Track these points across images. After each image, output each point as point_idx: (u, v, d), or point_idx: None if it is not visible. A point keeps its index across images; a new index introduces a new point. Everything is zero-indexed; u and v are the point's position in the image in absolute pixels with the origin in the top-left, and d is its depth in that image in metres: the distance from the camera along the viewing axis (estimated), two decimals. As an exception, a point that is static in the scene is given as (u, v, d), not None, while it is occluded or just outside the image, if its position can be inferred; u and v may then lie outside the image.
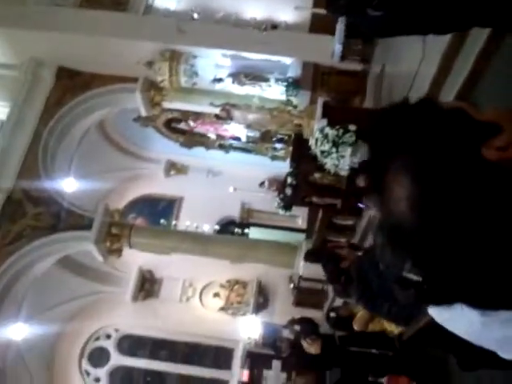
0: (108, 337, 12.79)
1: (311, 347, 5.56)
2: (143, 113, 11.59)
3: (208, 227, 12.33)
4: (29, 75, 11.07)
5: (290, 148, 10.47)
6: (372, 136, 0.97)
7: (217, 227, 12.82)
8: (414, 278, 0.96)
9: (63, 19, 10.00)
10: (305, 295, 10.92)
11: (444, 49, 4.92)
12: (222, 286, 12.78)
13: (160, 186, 13.93)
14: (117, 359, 12.61)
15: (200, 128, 12.43)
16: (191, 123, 12.37)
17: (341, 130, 7.66)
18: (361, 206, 7.08)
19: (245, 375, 11.87)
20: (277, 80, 10.63)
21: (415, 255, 0.90)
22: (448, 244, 0.84)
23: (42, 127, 11.00)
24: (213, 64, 10.72)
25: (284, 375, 11.22)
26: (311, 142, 7.95)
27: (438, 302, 1.02)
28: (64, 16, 10.08)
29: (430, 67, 5.43)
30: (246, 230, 12.95)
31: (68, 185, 11.40)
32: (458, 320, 1.20)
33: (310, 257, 5.52)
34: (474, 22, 3.31)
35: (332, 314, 6.20)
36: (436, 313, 1.36)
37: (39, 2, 10.27)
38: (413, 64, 6.03)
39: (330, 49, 9.37)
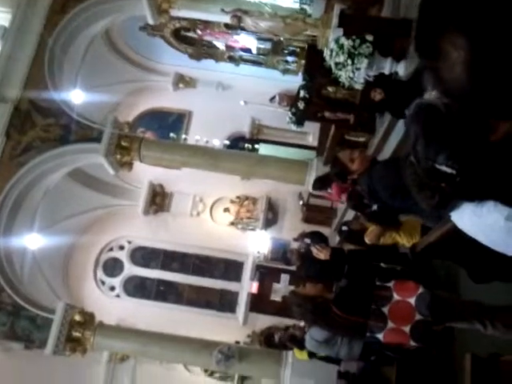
0: (121, 248, 13.12)
1: (321, 253, 5.66)
2: (150, 21, 11.08)
3: (218, 142, 12.20)
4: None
5: (302, 61, 10.10)
6: None
7: (227, 142, 12.69)
8: (448, 170, 0.93)
9: None
10: (314, 212, 10.99)
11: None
12: (232, 201, 12.87)
13: (169, 99, 13.65)
14: (130, 269, 13.02)
15: (209, 38, 11.93)
16: (200, 32, 11.86)
17: (357, 41, 7.32)
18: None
19: (254, 287, 12.25)
20: (290, -14, 10.04)
21: (452, 143, 0.86)
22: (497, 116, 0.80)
23: (46, 35, 10.60)
24: (222, -32, 10.08)
25: (292, 288, 11.57)
26: (325, 54, 7.63)
27: (470, 196, 0.99)
28: None
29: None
30: (256, 146, 12.82)
31: (76, 96, 11.20)
32: (482, 225, 1.14)
33: (318, 184, 5.45)
34: None
35: (344, 228, 6.21)
36: (459, 218, 1.32)
37: None
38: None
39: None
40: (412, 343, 3.59)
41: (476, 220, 1.27)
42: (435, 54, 0.85)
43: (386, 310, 3.62)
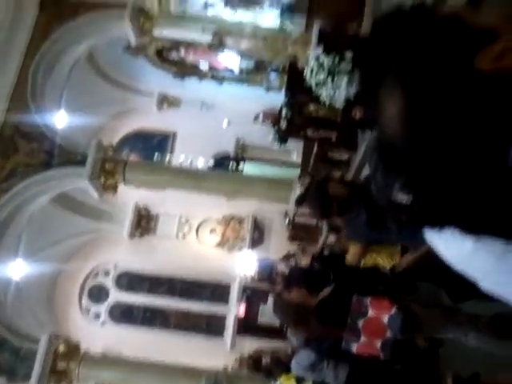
0: (106, 274, 12.87)
1: (303, 258, 5.71)
2: (133, 41, 11.07)
3: (203, 162, 12.13)
4: (11, 3, 10.47)
5: (285, 77, 10.08)
6: (364, 48, 0.93)
7: (211, 162, 12.61)
8: (405, 199, 0.92)
9: None
10: (299, 230, 10.89)
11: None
12: (218, 221, 12.73)
13: (153, 119, 13.57)
14: (116, 295, 12.75)
15: (192, 57, 11.93)
16: (183, 52, 11.88)
17: (337, 58, 7.31)
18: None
19: (241, 309, 12.08)
20: (271, 4, 10.03)
21: (406, 173, 0.86)
22: (439, 160, 0.82)
23: (29, 59, 10.54)
24: (203, -12, 10.10)
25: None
26: (306, 72, 7.61)
27: (428, 224, 0.97)
28: None
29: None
30: (241, 165, 12.75)
31: (59, 119, 11.10)
32: (450, 243, 1.11)
33: (301, 202, 5.47)
34: None
35: (325, 252, 6.20)
36: (430, 236, 1.28)
37: None
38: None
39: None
40: (382, 356, 3.74)
41: (444, 239, 1.21)
42: (374, 104, 0.86)
43: (360, 324, 3.77)
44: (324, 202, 4.30)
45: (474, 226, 0.88)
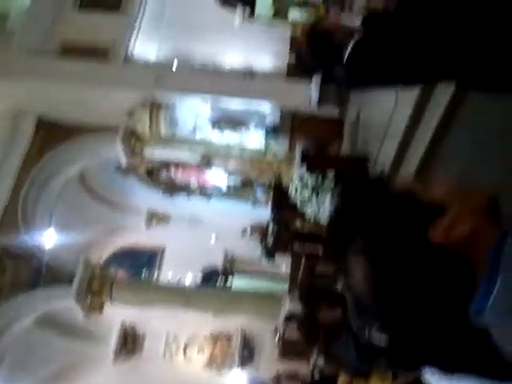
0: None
1: None
2: (124, 162, 11.49)
3: (191, 277, 12.07)
4: (8, 126, 10.93)
5: (271, 192, 10.41)
6: (333, 220, 1.05)
7: (200, 277, 12.56)
8: (382, 343, 0.96)
9: (43, 68, 9.85)
10: (290, 347, 10.58)
11: (414, 100, 4.96)
12: (205, 339, 12.29)
13: (141, 236, 13.69)
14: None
15: (182, 177, 12.37)
16: (172, 171, 12.33)
17: (320, 177, 7.61)
18: None
19: None
20: (256, 125, 10.66)
21: (378, 319, 0.94)
22: (404, 313, 0.89)
23: (21, 180, 10.82)
24: (193, 114, 10.75)
25: None
26: (291, 190, 7.89)
27: (405, 367, 1.08)
28: (44, 65, 9.93)
29: (402, 117, 5.45)
30: (230, 279, 12.70)
31: (48, 238, 11.16)
32: (437, 377, 1.13)
33: (290, 319, 5.46)
34: (440, 75, 3.31)
35: (316, 375, 6.04)
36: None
37: (20, 49, 10.00)
38: (386, 112, 6.04)
39: (307, 95, 9.43)
40: None
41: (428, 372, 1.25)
42: (344, 266, 0.94)
43: None
44: (310, 329, 4.24)
45: (452, 367, 0.93)
